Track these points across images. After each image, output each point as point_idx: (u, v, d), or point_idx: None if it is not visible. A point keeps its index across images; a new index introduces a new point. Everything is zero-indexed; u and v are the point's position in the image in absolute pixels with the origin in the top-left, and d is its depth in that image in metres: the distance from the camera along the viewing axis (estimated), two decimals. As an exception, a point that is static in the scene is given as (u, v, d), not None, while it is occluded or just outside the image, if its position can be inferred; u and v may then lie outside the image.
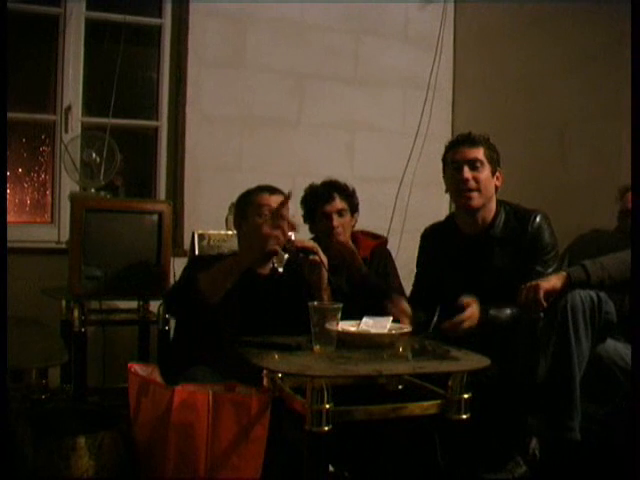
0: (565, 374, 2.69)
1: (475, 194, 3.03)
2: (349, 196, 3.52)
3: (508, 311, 2.90)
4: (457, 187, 3.07)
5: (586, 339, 2.72)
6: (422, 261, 3.34)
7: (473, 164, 3.04)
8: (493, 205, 3.10)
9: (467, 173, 3.01)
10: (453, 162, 3.08)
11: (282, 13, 4.88)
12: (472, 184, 3.02)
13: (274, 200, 2.91)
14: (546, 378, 2.72)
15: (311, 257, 2.81)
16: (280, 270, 3.05)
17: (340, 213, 3.44)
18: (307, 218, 3.55)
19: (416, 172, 5.00)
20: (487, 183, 3.05)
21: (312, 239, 3.50)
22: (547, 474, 2.67)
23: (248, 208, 2.95)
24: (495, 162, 3.08)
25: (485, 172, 3.04)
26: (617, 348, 2.81)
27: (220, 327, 2.75)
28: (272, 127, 4.86)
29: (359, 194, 4.96)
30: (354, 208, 3.54)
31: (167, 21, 4.73)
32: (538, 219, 3.03)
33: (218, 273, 2.73)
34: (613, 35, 3.83)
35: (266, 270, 3.00)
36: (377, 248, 3.59)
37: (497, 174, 3.09)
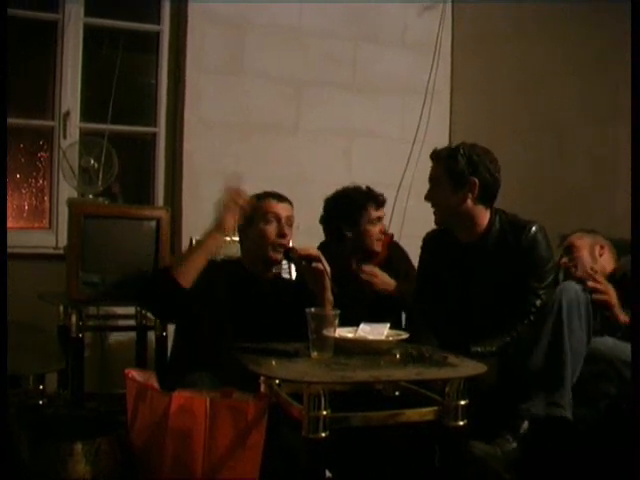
0: (558, 361, 2.77)
1: (434, 210, 3.12)
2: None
3: (493, 348, 2.91)
4: None
5: (580, 329, 2.81)
6: (422, 267, 3.34)
7: (431, 181, 3.11)
8: (480, 216, 3.06)
9: (427, 192, 3.11)
10: None
11: (280, 19, 4.89)
12: (430, 202, 3.11)
13: (280, 207, 2.91)
14: (541, 365, 2.80)
15: (313, 265, 2.81)
16: (284, 275, 3.06)
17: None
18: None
19: (414, 178, 5.00)
20: (445, 199, 3.05)
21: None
22: (535, 453, 2.69)
23: (255, 213, 2.94)
24: (460, 175, 3.02)
25: (442, 189, 3.05)
26: (616, 343, 2.85)
27: (218, 331, 2.76)
28: (270, 133, 4.87)
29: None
30: None
31: (165, 27, 4.74)
32: (533, 231, 3.00)
33: (188, 254, 2.75)
34: (612, 38, 3.84)
35: (269, 275, 3.00)
36: (391, 244, 3.62)
37: (469, 185, 3.02)
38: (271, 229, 2.88)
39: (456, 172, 3.02)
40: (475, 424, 2.35)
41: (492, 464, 2.63)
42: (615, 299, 2.93)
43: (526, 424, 2.74)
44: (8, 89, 4.33)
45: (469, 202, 3.03)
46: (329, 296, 2.82)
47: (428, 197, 3.11)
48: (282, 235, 2.87)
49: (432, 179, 3.10)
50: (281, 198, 2.96)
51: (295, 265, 2.91)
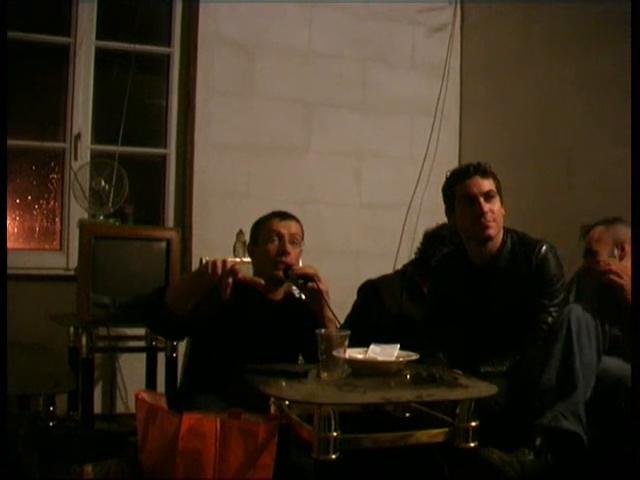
0: (570, 380, 2.75)
1: (493, 224, 3.01)
2: None
3: (504, 367, 2.91)
4: (473, 220, 3.04)
5: (590, 349, 2.79)
6: (434, 288, 3.34)
7: (488, 196, 3.02)
8: (501, 234, 3.09)
9: (485, 206, 3.00)
10: (467, 195, 3.04)
11: (290, 41, 4.92)
12: (490, 215, 3.00)
13: (283, 225, 2.91)
14: (553, 385, 2.78)
15: (309, 284, 2.80)
16: (296, 295, 3.06)
17: None
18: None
19: (423, 199, 5.01)
20: (499, 213, 3.05)
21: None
22: (551, 466, 2.68)
23: (259, 234, 2.95)
24: (501, 191, 3.08)
25: (497, 202, 3.04)
26: (622, 366, 2.83)
27: (228, 352, 2.76)
28: (280, 154, 4.88)
29: (366, 220, 4.98)
30: None
31: (176, 50, 4.78)
32: (543, 250, 3.01)
33: (181, 286, 2.74)
34: (621, 59, 3.84)
35: (278, 296, 2.99)
36: None
37: (503, 201, 3.09)
38: (272, 247, 2.87)
39: (500, 188, 3.07)
40: (488, 437, 2.35)
41: (508, 472, 2.61)
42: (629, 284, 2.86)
43: (539, 440, 2.73)
44: (20, 111, 4.40)
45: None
46: (328, 314, 2.81)
47: (491, 209, 3.02)
48: (283, 252, 2.87)
49: (488, 193, 3.03)
50: (284, 216, 2.96)
51: (294, 284, 2.90)
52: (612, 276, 2.84)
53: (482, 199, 3.01)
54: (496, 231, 3.04)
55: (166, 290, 2.73)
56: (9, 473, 2.23)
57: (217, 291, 2.67)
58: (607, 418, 2.80)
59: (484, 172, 3.05)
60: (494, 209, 3.02)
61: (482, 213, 3.00)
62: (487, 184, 3.04)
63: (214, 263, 2.61)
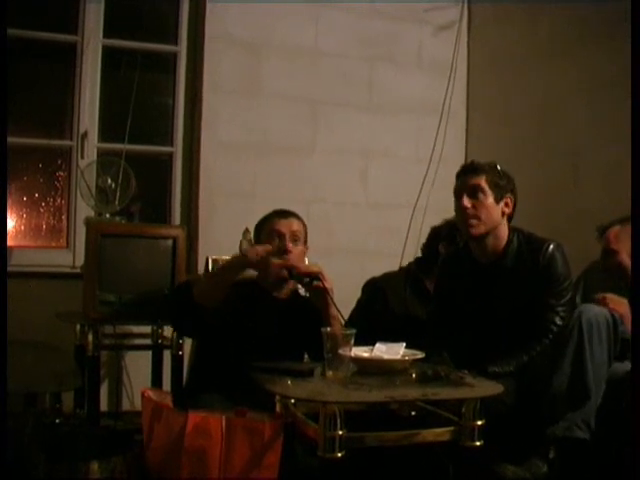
0: (581, 385, 2.76)
1: (474, 222, 3.00)
2: None
3: (511, 368, 2.90)
4: (458, 216, 3.07)
5: (601, 353, 2.79)
6: (439, 288, 3.33)
7: (473, 192, 3.01)
8: (504, 233, 3.07)
9: (466, 201, 3.00)
10: (455, 191, 3.07)
11: (296, 41, 4.92)
12: (471, 211, 3.00)
13: (284, 224, 2.91)
14: (565, 389, 2.79)
15: (315, 283, 2.80)
16: (302, 294, 3.05)
17: None
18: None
19: (430, 198, 5.00)
20: (489, 210, 3.01)
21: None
22: (565, 476, 2.67)
23: (261, 234, 2.95)
24: (502, 188, 3.04)
25: (487, 199, 3.01)
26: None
27: (234, 350, 2.76)
28: (286, 153, 4.88)
29: (372, 220, 4.98)
30: None
31: (183, 48, 4.78)
32: (550, 249, 3.01)
33: (211, 278, 2.73)
34: (626, 61, 3.84)
35: (283, 294, 2.99)
36: None
37: (506, 200, 3.06)
38: (274, 246, 2.87)
39: (499, 185, 3.04)
40: (502, 446, 2.34)
41: None
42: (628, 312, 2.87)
43: (552, 450, 2.73)
44: (26, 109, 4.41)
45: (501, 218, 3.06)
46: (333, 312, 2.81)
47: (473, 206, 3.01)
48: (285, 251, 2.87)
49: (474, 189, 3.02)
50: (285, 214, 2.96)
51: (299, 282, 2.90)
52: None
53: (465, 195, 3.02)
54: (480, 229, 3.02)
55: (195, 281, 2.73)
56: (14, 470, 2.24)
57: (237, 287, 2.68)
58: (611, 420, 2.80)
59: (473, 169, 3.06)
60: (478, 205, 3.01)
61: (462, 208, 3.01)
62: (473, 180, 3.03)
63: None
